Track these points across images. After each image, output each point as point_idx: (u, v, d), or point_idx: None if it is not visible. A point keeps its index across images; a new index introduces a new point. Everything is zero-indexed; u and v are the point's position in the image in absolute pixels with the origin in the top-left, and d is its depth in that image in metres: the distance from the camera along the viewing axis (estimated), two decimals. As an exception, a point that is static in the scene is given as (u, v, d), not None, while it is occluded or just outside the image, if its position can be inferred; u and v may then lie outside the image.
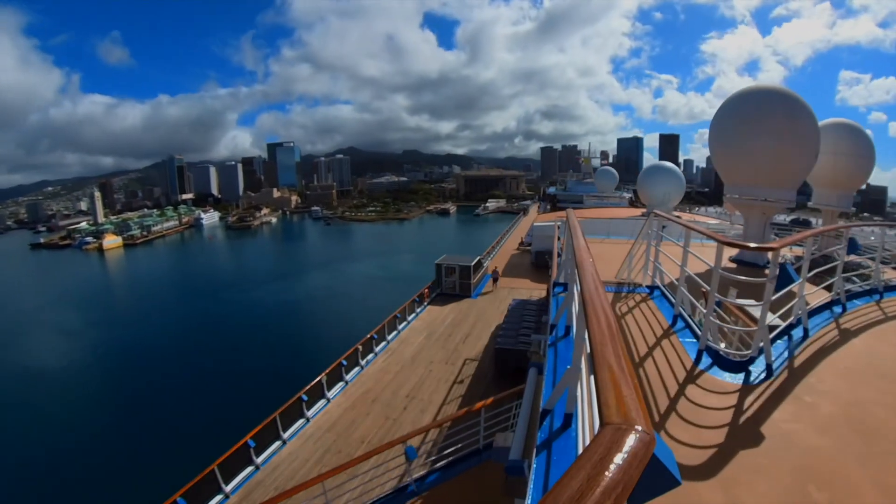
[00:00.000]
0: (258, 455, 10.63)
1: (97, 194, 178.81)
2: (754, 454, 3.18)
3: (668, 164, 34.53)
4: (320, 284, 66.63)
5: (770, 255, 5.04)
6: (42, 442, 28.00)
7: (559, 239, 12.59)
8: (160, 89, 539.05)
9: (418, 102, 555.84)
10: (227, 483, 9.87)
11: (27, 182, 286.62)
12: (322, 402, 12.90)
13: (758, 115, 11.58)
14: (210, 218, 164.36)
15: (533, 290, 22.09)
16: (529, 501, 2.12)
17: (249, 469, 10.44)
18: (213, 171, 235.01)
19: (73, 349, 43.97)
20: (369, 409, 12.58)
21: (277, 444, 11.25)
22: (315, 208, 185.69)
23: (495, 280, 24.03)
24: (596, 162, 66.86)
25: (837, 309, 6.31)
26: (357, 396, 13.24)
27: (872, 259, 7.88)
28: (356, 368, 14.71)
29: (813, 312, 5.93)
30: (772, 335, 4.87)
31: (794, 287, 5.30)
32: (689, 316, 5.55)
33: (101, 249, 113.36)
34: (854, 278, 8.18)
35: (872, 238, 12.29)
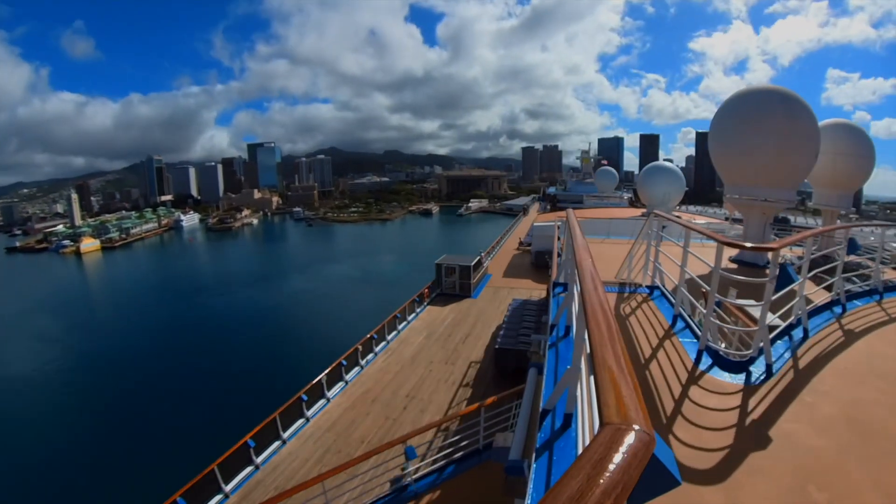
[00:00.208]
0: (258, 455, 10.62)
1: (74, 196, 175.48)
2: (754, 454, 3.18)
3: (668, 164, 34.56)
4: (312, 286, 66.51)
5: (770, 255, 5.05)
6: (42, 442, 28.04)
7: (559, 239, 12.59)
8: (132, 87, 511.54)
9: (400, 101, 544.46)
10: (226, 483, 9.87)
11: (1, 184, 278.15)
12: (322, 402, 12.90)
13: (758, 115, 11.58)
14: (190, 220, 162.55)
15: (533, 290, 22.09)
16: (529, 501, 2.12)
17: (249, 469, 10.43)
18: (192, 172, 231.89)
19: (70, 351, 43.97)
20: (369, 408, 12.58)
21: (277, 443, 11.25)
22: (297, 209, 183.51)
23: None
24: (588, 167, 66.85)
25: (837, 309, 6.31)
26: (357, 396, 13.24)
27: (872, 259, 7.88)
28: (356, 368, 14.71)
29: (813, 313, 5.93)
30: (772, 335, 4.87)
31: (793, 287, 5.31)
32: (689, 316, 5.55)
33: (78, 253, 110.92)
34: (854, 278, 8.18)
35: (872, 238, 12.30)
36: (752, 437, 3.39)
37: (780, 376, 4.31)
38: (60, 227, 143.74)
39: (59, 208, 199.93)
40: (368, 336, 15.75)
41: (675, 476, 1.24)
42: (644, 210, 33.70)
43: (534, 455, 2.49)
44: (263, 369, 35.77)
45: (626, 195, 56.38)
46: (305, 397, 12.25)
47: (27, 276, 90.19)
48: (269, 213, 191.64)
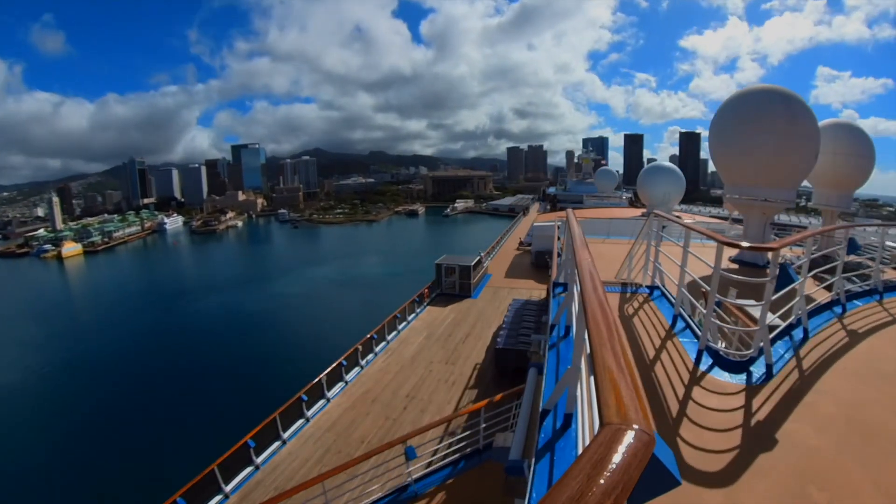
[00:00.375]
0: (258, 455, 10.62)
1: (55, 199, 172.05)
2: (754, 454, 3.18)
3: (668, 164, 34.55)
4: (305, 288, 66.18)
5: (770, 255, 5.05)
6: (42, 442, 28.07)
7: (559, 239, 12.60)
8: (109, 87, 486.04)
9: (386, 100, 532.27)
10: (226, 483, 9.87)
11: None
12: (322, 402, 12.89)
13: (758, 114, 11.58)
14: (173, 223, 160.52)
15: (533, 291, 22.10)
16: (529, 501, 2.12)
17: (249, 469, 10.43)
18: (175, 174, 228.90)
19: (67, 356, 43.73)
20: (369, 409, 12.57)
21: (277, 444, 11.24)
22: (282, 211, 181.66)
23: None
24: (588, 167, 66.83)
25: (837, 309, 6.31)
26: (357, 396, 13.24)
27: (872, 259, 7.88)
28: (356, 368, 14.70)
29: (813, 313, 5.93)
30: (772, 335, 4.87)
31: (793, 287, 5.31)
32: (689, 316, 5.55)
33: (60, 257, 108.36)
34: (854, 278, 8.19)
35: (873, 238, 12.29)
36: (752, 437, 3.39)
37: (780, 376, 4.31)
38: (42, 231, 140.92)
39: (40, 212, 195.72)
40: (368, 336, 15.75)
41: (676, 476, 1.24)
42: (644, 210, 33.71)
43: (534, 455, 2.50)
44: (263, 370, 35.77)
45: (626, 195, 56.42)
46: (305, 397, 12.24)
47: (8, 282, 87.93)
48: (253, 215, 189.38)
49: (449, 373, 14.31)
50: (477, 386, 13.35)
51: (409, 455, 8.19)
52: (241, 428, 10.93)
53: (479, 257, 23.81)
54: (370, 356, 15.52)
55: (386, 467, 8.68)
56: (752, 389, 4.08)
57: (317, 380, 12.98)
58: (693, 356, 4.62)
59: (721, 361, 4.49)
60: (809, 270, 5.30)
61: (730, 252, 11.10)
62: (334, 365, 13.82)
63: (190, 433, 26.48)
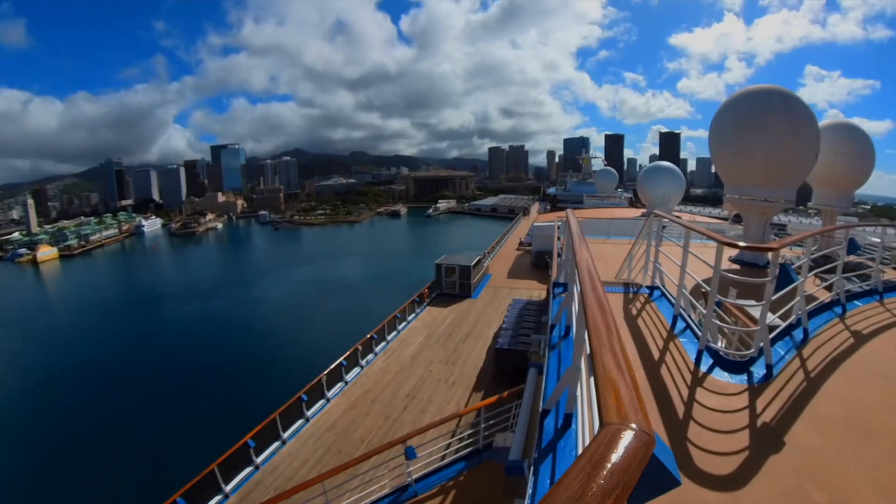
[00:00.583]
0: (258, 455, 10.62)
1: (30, 202, 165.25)
2: (754, 454, 3.18)
3: (668, 164, 34.51)
4: (294, 288, 65.62)
5: (770, 255, 5.05)
6: (42, 442, 28.08)
7: (559, 239, 12.60)
8: (78, 83, 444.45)
9: (367, 98, 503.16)
10: (226, 483, 9.87)
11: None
12: (322, 402, 12.89)
13: (758, 115, 11.58)
14: (152, 225, 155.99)
15: (533, 291, 22.11)
16: (529, 501, 2.12)
17: (249, 469, 10.43)
18: (153, 175, 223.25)
19: (62, 357, 43.73)
20: (369, 409, 12.57)
21: (277, 444, 11.24)
22: (262, 212, 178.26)
23: None
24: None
25: (837, 309, 6.31)
26: (357, 396, 13.24)
27: (872, 259, 7.88)
28: (356, 369, 14.71)
29: (813, 313, 5.93)
30: (772, 335, 4.87)
31: (793, 287, 5.31)
32: (689, 316, 5.55)
33: (35, 262, 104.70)
34: (854, 278, 8.19)
35: (875, 238, 12.29)
36: (752, 437, 3.39)
37: (780, 376, 4.31)
38: (16, 235, 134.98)
39: (15, 215, 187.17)
40: (368, 336, 15.75)
41: (675, 476, 1.24)
42: (644, 210, 33.70)
43: (534, 455, 2.50)
44: (263, 370, 35.79)
45: (626, 195, 56.44)
46: (305, 397, 12.24)
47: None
48: (234, 217, 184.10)
49: (449, 373, 14.31)
50: (477, 386, 13.36)
51: (409, 455, 8.19)
52: (241, 428, 10.94)
53: (479, 257, 23.82)
54: (370, 356, 15.52)
55: (386, 467, 8.69)
56: (752, 390, 4.08)
57: (317, 380, 12.98)
58: (693, 356, 4.62)
59: (721, 362, 4.49)
60: (809, 270, 5.31)
61: (730, 252, 11.11)
62: (334, 365, 13.82)
63: (190, 433, 26.49)
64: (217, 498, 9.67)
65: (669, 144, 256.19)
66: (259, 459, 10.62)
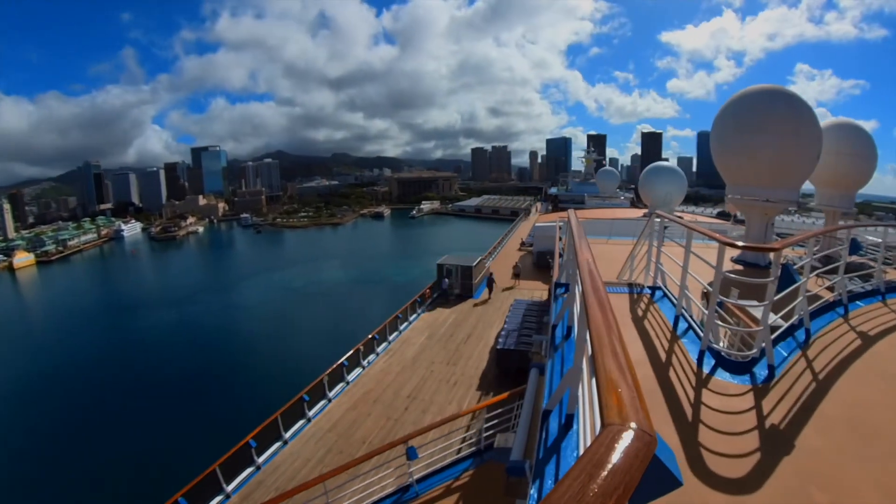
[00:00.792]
0: (259, 455, 10.64)
1: (6, 206, 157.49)
2: (756, 455, 3.17)
3: (670, 164, 34.52)
4: (287, 291, 65.33)
5: (772, 255, 5.04)
6: (42, 442, 28.14)
7: (561, 239, 12.59)
8: (46, 81, 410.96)
9: (350, 97, 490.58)
10: (228, 483, 9.89)
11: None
12: (323, 403, 12.91)
13: (760, 115, 11.56)
14: (132, 229, 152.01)
15: (534, 291, 22.10)
16: (530, 502, 2.12)
17: (250, 469, 10.45)
18: (133, 178, 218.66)
19: (61, 357, 43.81)
20: (370, 409, 12.58)
21: (279, 444, 11.26)
22: (244, 215, 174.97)
23: (490, 287, 22.05)
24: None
25: (840, 310, 6.29)
26: (358, 397, 13.25)
27: (875, 260, 7.86)
28: (357, 369, 14.72)
29: (815, 313, 5.91)
30: (774, 336, 4.86)
31: (795, 288, 5.29)
32: (691, 317, 5.54)
33: (11, 269, 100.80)
34: (856, 279, 8.16)
35: (877, 237, 12.25)
36: (753, 437, 3.38)
37: (782, 377, 4.30)
38: None
39: None
40: (370, 337, 15.76)
41: (677, 477, 1.24)
42: (646, 210, 33.66)
43: (535, 456, 2.50)
44: (264, 370, 35.83)
45: (627, 195, 56.42)
46: (307, 398, 12.26)
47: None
48: (215, 220, 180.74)
49: (450, 373, 14.31)
50: (478, 386, 13.35)
51: (411, 455, 8.20)
52: (243, 428, 10.96)
53: (480, 258, 23.83)
54: (371, 356, 15.53)
55: (387, 468, 8.69)
56: (754, 390, 4.07)
57: (318, 380, 13.00)
58: (695, 357, 4.61)
59: (723, 362, 4.48)
60: (812, 271, 5.29)
61: (732, 252, 11.08)
62: (335, 365, 13.83)
63: (191, 434, 26.54)
64: (218, 498, 9.69)
65: (652, 144, 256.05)
66: (260, 459, 10.63)
